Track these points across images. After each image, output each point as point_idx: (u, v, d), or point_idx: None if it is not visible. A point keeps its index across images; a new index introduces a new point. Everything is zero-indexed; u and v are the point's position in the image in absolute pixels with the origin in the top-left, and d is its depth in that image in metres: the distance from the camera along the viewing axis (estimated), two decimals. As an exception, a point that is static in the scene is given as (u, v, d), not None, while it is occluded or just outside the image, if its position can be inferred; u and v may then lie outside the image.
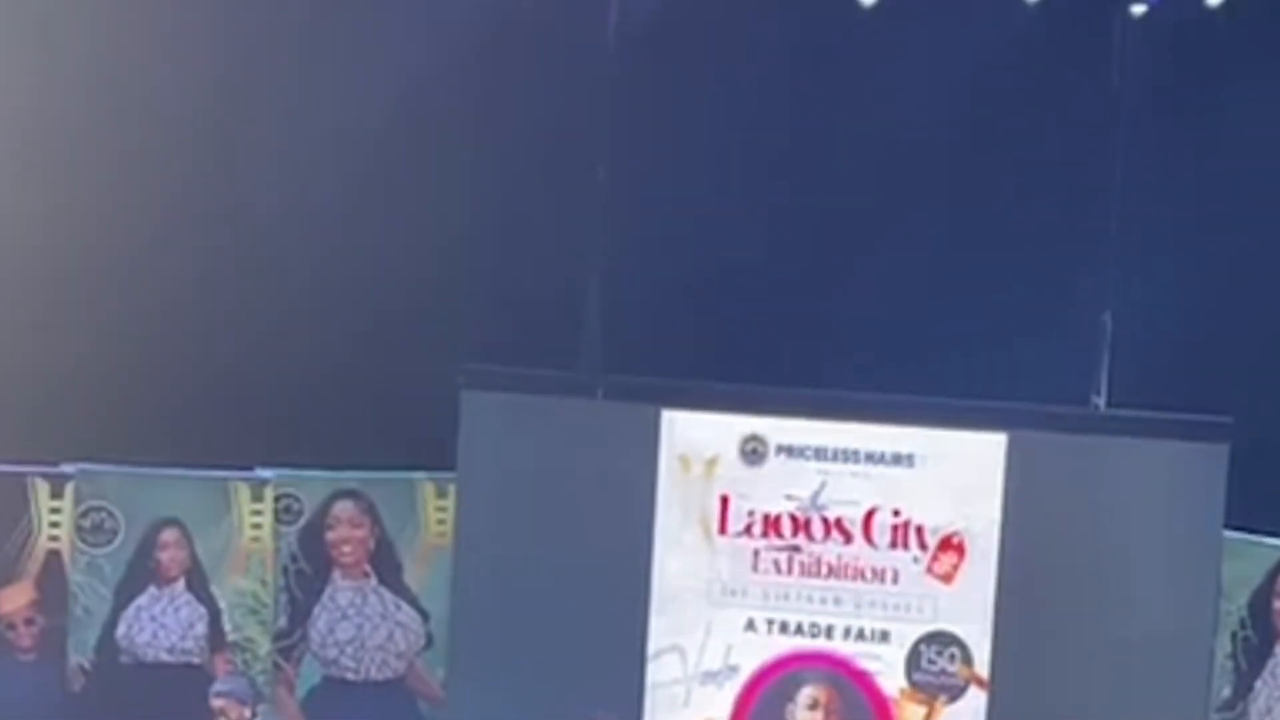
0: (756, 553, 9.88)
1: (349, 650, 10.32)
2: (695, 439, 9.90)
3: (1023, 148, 9.81)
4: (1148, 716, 9.57)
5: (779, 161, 10.07)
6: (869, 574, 9.80)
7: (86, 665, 10.12)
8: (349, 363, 10.13)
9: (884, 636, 9.83)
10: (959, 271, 9.94)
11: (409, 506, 10.30)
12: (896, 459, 9.76)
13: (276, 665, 10.26)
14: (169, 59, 9.93)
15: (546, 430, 9.95)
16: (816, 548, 9.83)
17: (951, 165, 9.93)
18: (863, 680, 9.84)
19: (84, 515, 10.08)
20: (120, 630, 10.15)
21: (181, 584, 10.17)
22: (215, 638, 10.20)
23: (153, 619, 10.17)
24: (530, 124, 10.09)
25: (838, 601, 9.84)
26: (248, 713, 9.10)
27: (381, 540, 10.30)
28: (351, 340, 10.12)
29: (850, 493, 9.79)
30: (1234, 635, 9.64)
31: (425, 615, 10.33)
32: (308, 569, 10.27)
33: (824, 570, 9.83)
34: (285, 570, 10.25)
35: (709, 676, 9.95)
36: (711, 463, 9.89)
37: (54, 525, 10.06)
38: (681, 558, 9.91)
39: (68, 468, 10.07)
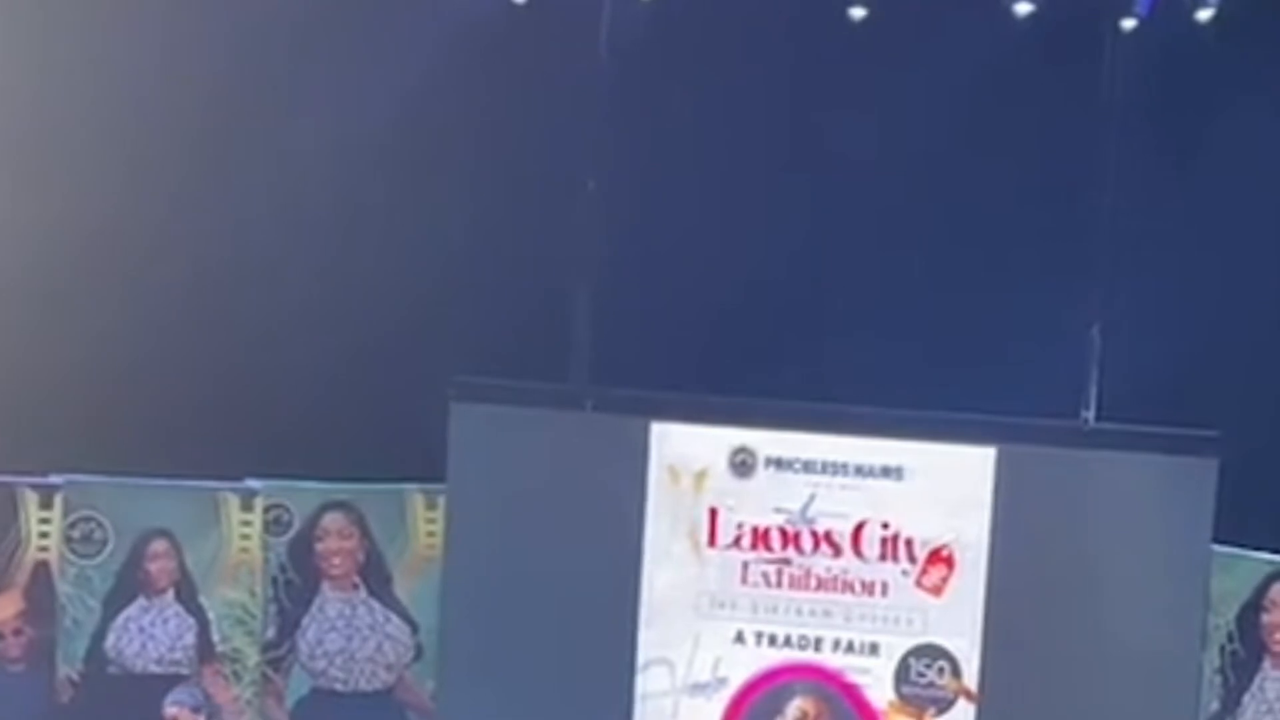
0: (745, 565, 9.88)
1: (338, 661, 10.31)
2: (684, 451, 9.90)
3: (1011, 162, 9.80)
4: (1136, 730, 9.59)
5: (769, 175, 10.07)
6: (858, 587, 9.81)
7: (75, 676, 10.09)
8: (339, 374, 10.11)
9: (873, 649, 9.84)
10: (948, 286, 9.94)
11: (399, 518, 10.29)
12: (886, 472, 9.77)
13: (265, 676, 10.26)
14: (158, 69, 9.91)
15: (536, 442, 9.94)
16: (806, 560, 9.84)
17: (940, 179, 9.92)
18: (851, 693, 9.85)
19: (73, 526, 10.05)
20: (109, 641, 10.12)
21: (170, 595, 10.15)
22: (204, 649, 10.17)
23: (141, 630, 10.15)
24: (520, 136, 10.09)
25: (827, 614, 9.85)
26: None
27: (371, 552, 10.29)
28: (342, 352, 10.10)
29: (839, 505, 9.79)
30: (1222, 649, 9.65)
31: (415, 627, 10.32)
32: (297, 580, 10.26)
33: (813, 583, 9.84)
34: (274, 581, 10.23)
35: (698, 689, 9.95)
36: (701, 475, 9.89)
37: (43, 536, 10.03)
38: (670, 570, 9.91)
39: (56, 478, 10.03)
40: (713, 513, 9.89)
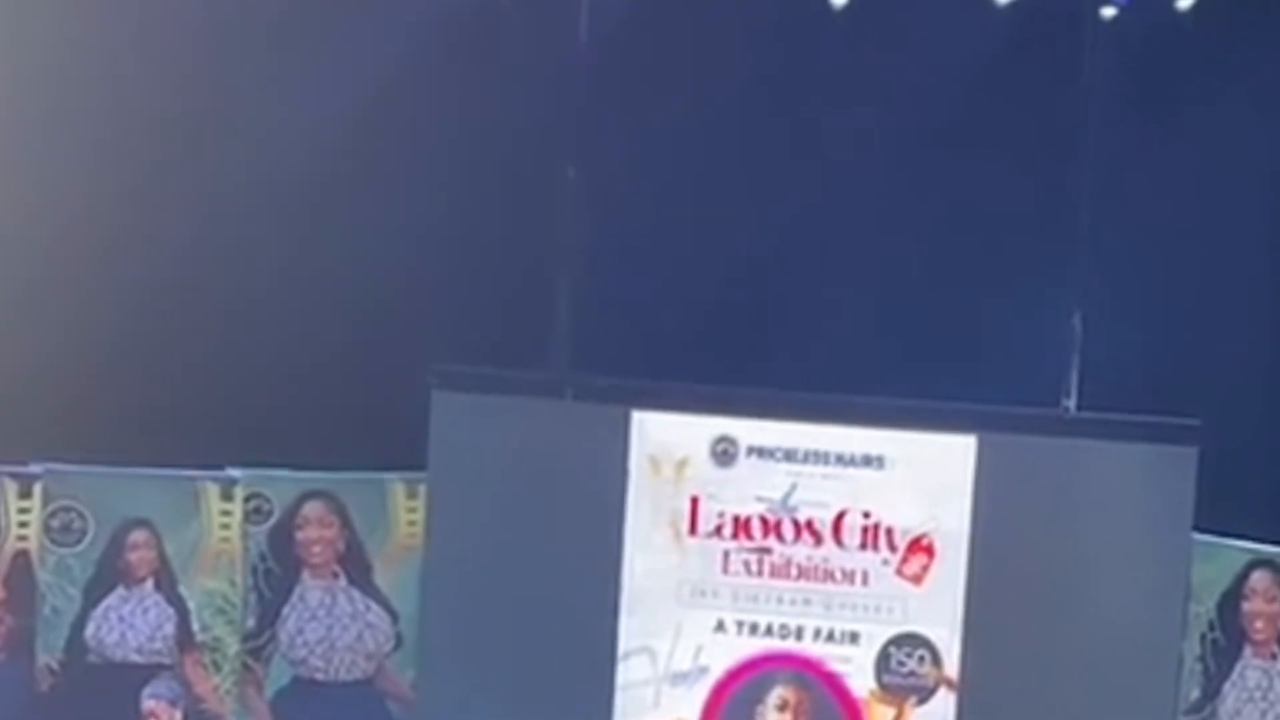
0: (727, 554, 9.87)
1: (318, 651, 10.29)
2: (665, 440, 9.89)
3: (991, 149, 9.80)
4: (1117, 718, 9.57)
5: (750, 164, 10.05)
6: (839, 575, 9.81)
7: (55, 665, 10.07)
8: (319, 363, 10.09)
9: (853, 638, 9.83)
10: (928, 274, 9.94)
11: (379, 507, 10.27)
12: (867, 461, 9.76)
13: (245, 666, 10.24)
14: (135, 54, 9.88)
15: (516, 431, 9.93)
16: (787, 549, 9.83)
17: (921, 169, 9.91)
18: (832, 681, 9.85)
19: (53, 515, 10.03)
20: (89, 630, 10.10)
21: (150, 584, 10.13)
22: (184, 638, 10.15)
23: (121, 619, 10.13)
24: (500, 122, 10.07)
25: (807, 603, 9.84)
26: (178, 714, 9.14)
27: (351, 541, 10.26)
28: (321, 340, 10.08)
29: (820, 494, 9.79)
30: (1203, 637, 9.66)
31: (395, 616, 10.30)
32: (277, 569, 10.24)
33: (794, 572, 9.83)
34: (254, 570, 10.20)
35: (679, 677, 9.95)
36: (682, 464, 9.88)
37: (22, 525, 10.02)
38: (651, 559, 9.90)
39: (36, 467, 10.01)
40: (694, 501, 9.88)
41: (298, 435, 10.06)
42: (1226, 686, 9.60)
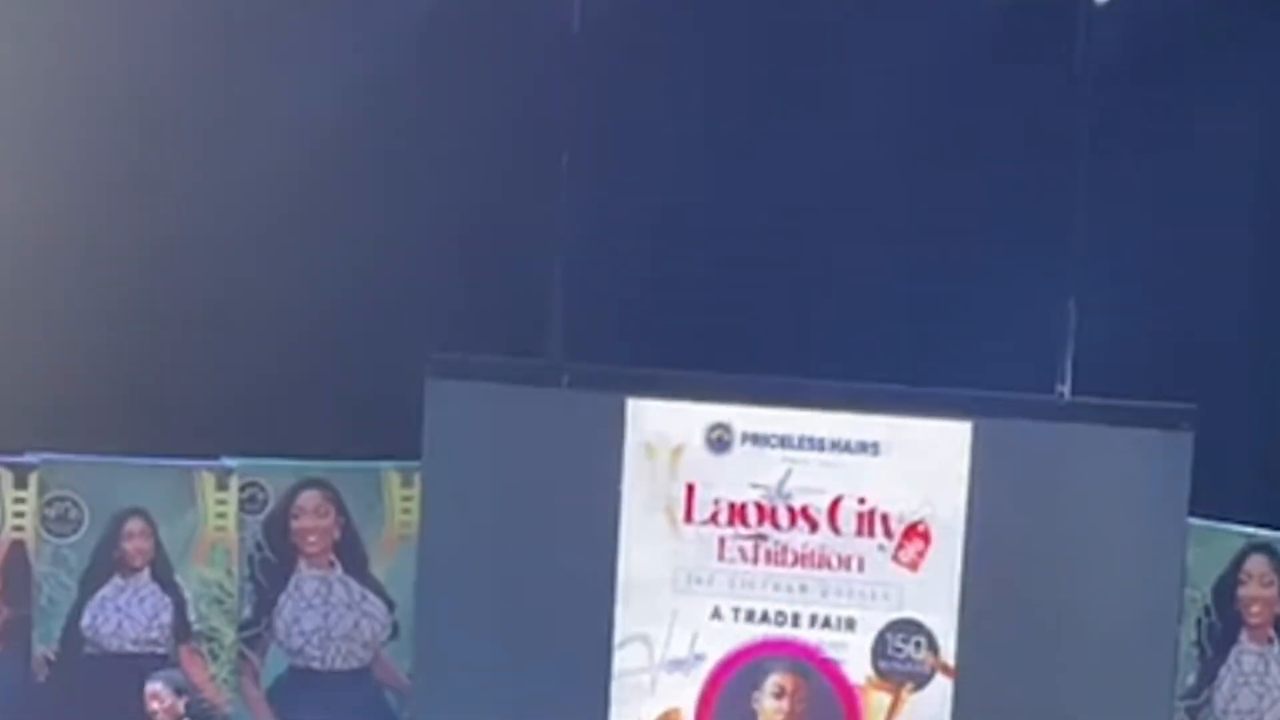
0: (722, 541, 9.87)
1: (314, 640, 10.30)
2: (661, 427, 9.88)
3: (986, 135, 9.80)
4: (1113, 703, 9.56)
5: (743, 151, 10.07)
6: (835, 562, 9.80)
7: (51, 655, 10.08)
8: (314, 352, 10.11)
9: (850, 624, 9.83)
10: (923, 260, 9.95)
11: (374, 496, 10.28)
12: (862, 447, 9.75)
13: (242, 655, 10.24)
14: (121, 42, 9.88)
15: (512, 419, 9.92)
16: (782, 536, 9.83)
17: (914, 154, 9.92)
18: (829, 668, 9.84)
19: (48, 505, 10.04)
20: (85, 620, 10.11)
21: (146, 574, 10.14)
22: (180, 628, 10.17)
23: (118, 609, 10.14)
24: (495, 110, 10.07)
25: (803, 589, 9.83)
26: (180, 705, 9.15)
27: (347, 530, 10.28)
28: (316, 329, 10.09)
29: (816, 481, 9.78)
30: (1199, 622, 9.67)
31: (391, 605, 10.31)
32: (273, 558, 10.25)
33: (790, 558, 9.83)
34: (250, 560, 10.22)
35: (675, 665, 9.94)
36: (677, 451, 9.88)
37: (18, 515, 10.02)
38: (647, 546, 9.89)
39: (32, 457, 10.02)
40: (689, 489, 9.87)
41: (293, 424, 10.07)
42: (1222, 671, 9.62)
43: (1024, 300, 9.71)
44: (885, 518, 9.76)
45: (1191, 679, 9.67)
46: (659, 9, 9.97)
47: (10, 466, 10.02)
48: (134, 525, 10.10)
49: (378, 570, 10.31)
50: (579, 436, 9.85)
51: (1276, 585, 9.48)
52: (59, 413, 9.90)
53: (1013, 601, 9.62)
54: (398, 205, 10.13)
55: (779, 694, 9.86)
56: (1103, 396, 9.68)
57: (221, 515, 10.15)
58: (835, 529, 9.79)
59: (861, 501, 9.77)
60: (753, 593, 9.86)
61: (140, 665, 9.91)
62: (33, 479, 10.01)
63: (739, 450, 9.85)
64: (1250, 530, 9.53)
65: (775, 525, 9.82)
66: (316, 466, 10.20)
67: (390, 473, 10.27)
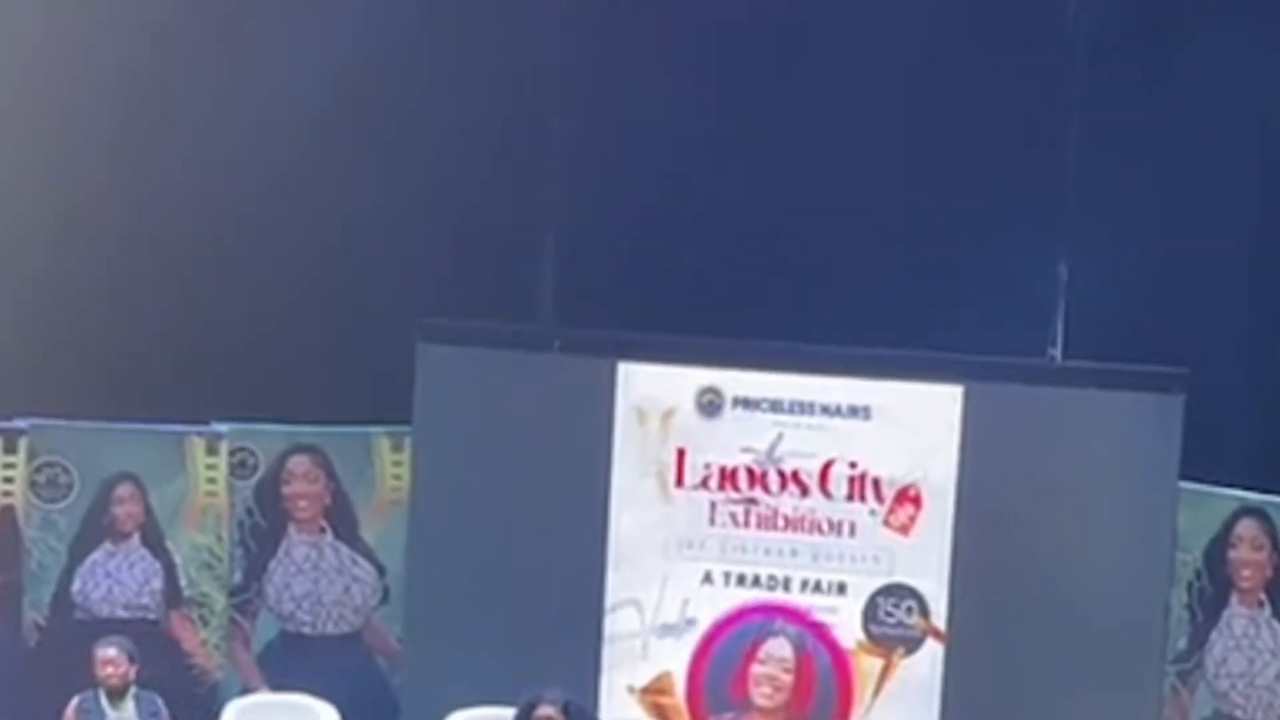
0: (713, 505, 9.86)
1: (305, 605, 10.30)
2: (651, 392, 9.87)
3: (976, 98, 9.76)
4: (1104, 666, 9.56)
5: (734, 116, 10.03)
6: (826, 526, 9.80)
7: (41, 621, 10.07)
8: (304, 316, 10.10)
9: (841, 589, 9.83)
10: (914, 223, 9.91)
11: (364, 461, 10.26)
12: (853, 411, 9.74)
13: (232, 620, 10.24)
14: (109, 6, 9.88)
15: (502, 384, 9.91)
16: (773, 500, 9.82)
17: (905, 116, 9.87)
18: (820, 633, 9.84)
19: (38, 470, 10.02)
20: (75, 586, 10.10)
21: (136, 539, 10.13)
22: (171, 593, 10.16)
23: (108, 575, 10.12)
24: (485, 75, 10.04)
25: (794, 554, 9.83)
26: (132, 672, 9.12)
27: (337, 495, 10.27)
28: (307, 293, 10.09)
29: (807, 445, 9.77)
30: (1189, 586, 9.65)
31: (382, 570, 10.31)
32: (263, 524, 10.24)
33: (781, 523, 9.82)
34: (241, 525, 10.21)
35: (666, 629, 9.94)
36: (668, 415, 9.87)
37: (7, 480, 9.99)
38: (638, 511, 9.89)
39: (21, 422, 10.00)
40: (680, 453, 9.86)
41: (283, 389, 10.05)
42: (1214, 635, 9.59)
43: (1015, 264, 9.69)
44: (876, 482, 9.75)
45: (1182, 643, 9.66)
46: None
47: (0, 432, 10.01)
48: (124, 490, 10.08)
49: (368, 535, 10.31)
50: (570, 401, 9.84)
51: (1267, 549, 9.45)
52: (49, 378, 9.87)
53: (1004, 566, 9.61)
54: (388, 169, 10.09)
55: (770, 659, 9.85)
56: (1094, 360, 9.68)
57: (212, 480, 10.13)
58: (826, 493, 9.78)
59: (853, 466, 9.76)
60: (744, 557, 9.86)
61: (130, 631, 9.89)
62: (22, 444, 9.99)
63: (730, 414, 9.84)
64: (1241, 494, 9.49)
65: (766, 490, 9.82)
66: (307, 431, 10.18)
67: (381, 438, 10.26)
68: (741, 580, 9.87)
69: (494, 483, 9.88)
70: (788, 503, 9.80)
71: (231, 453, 10.15)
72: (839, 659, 9.84)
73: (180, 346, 10.09)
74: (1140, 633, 9.58)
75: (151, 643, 9.89)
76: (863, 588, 9.81)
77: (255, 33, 9.93)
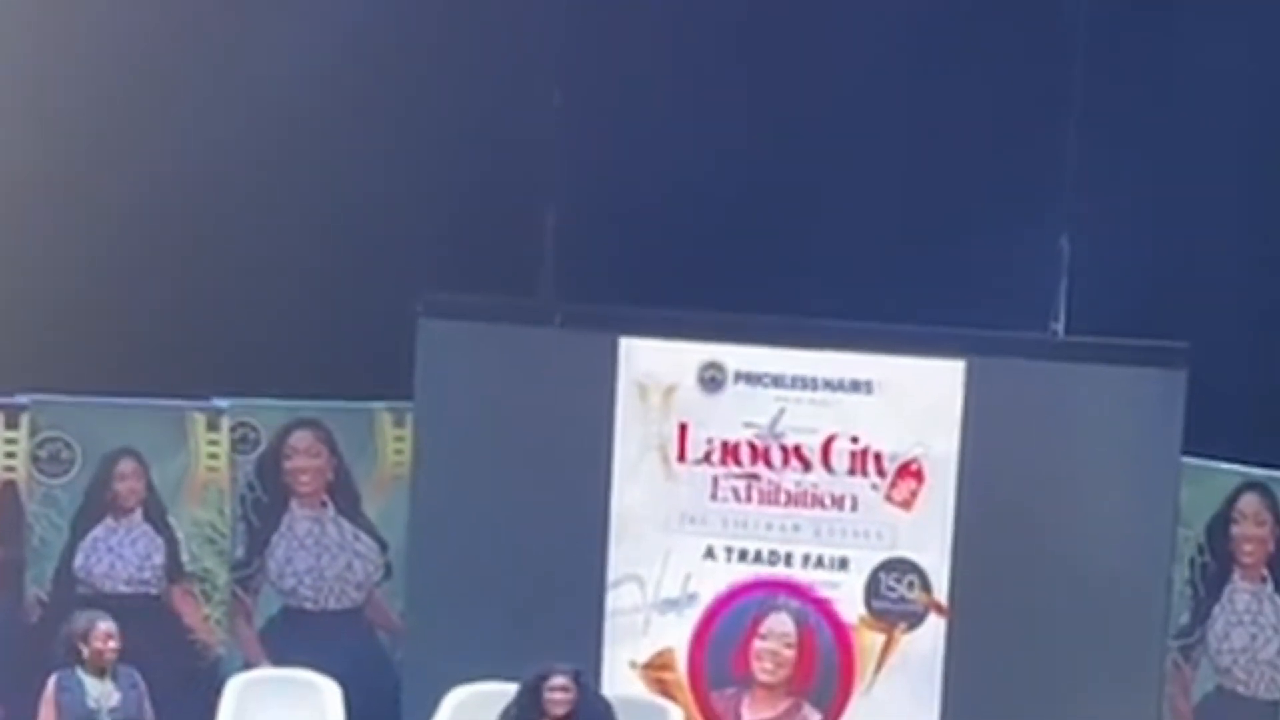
0: (715, 480, 9.86)
1: (307, 580, 10.31)
2: (653, 367, 9.87)
3: (980, 71, 9.75)
4: (1107, 642, 9.55)
5: (737, 88, 10.01)
6: (828, 501, 9.79)
7: (44, 596, 10.07)
8: (305, 292, 10.09)
9: (843, 564, 9.83)
10: (916, 198, 9.90)
11: (366, 436, 10.27)
12: (855, 386, 9.74)
13: (235, 595, 10.24)
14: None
15: (504, 359, 9.90)
16: (775, 475, 9.81)
17: (908, 90, 9.87)
18: (822, 607, 9.84)
19: (40, 446, 10.02)
20: (78, 561, 10.10)
21: (139, 514, 10.13)
22: (173, 568, 10.16)
23: (110, 550, 10.13)
24: (486, 49, 10.03)
25: (796, 529, 9.83)
26: (113, 643, 8.98)
27: (339, 469, 10.28)
28: (308, 268, 10.08)
29: (808, 420, 9.76)
30: (1192, 561, 9.65)
31: (383, 545, 10.32)
32: (265, 498, 10.25)
33: (783, 498, 9.82)
34: (243, 500, 10.22)
35: (668, 604, 9.94)
36: (670, 390, 9.86)
37: (10, 456, 9.99)
38: (640, 486, 9.88)
39: (23, 398, 10.00)
40: (682, 428, 9.86)
41: (284, 364, 10.05)
42: (1216, 610, 9.59)
43: (1018, 238, 9.66)
44: (878, 457, 9.74)
45: (1185, 618, 9.66)
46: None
47: (2, 407, 9.99)
48: (126, 466, 10.08)
49: (370, 510, 10.31)
50: (571, 376, 9.84)
51: (1270, 524, 9.44)
52: (51, 353, 9.87)
53: (1006, 541, 9.60)
54: (391, 146, 10.08)
55: (772, 634, 9.86)
56: (1096, 335, 9.66)
57: (213, 455, 10.14)
58: (828, 468, 9.78)
59: (854, 441, 9.75)
60: (745, 532, 9.86)
61: (133, 606, 9.90)
62: (24, 419, 9.99)
63: (732, 389, 9.83)
64: (1244, 469, 9.49)
65: (768, 464, 9.81)
66: (308, 406, 10.19)
67: (383, 413, 10.26)
68: (743, 555, 9.87)
69: (496, 458, 9.88)
70: (790, 478, 9.80)
71: (233, 428, 10.15)
72: (841, 634, 9.85)
73: (182, 322, 10.10)
74: (1142, 608, 9.57)
75: (154, 618, 9.92)
76: (865, 562, 9.81)
77: (258, 9, 9.91)
